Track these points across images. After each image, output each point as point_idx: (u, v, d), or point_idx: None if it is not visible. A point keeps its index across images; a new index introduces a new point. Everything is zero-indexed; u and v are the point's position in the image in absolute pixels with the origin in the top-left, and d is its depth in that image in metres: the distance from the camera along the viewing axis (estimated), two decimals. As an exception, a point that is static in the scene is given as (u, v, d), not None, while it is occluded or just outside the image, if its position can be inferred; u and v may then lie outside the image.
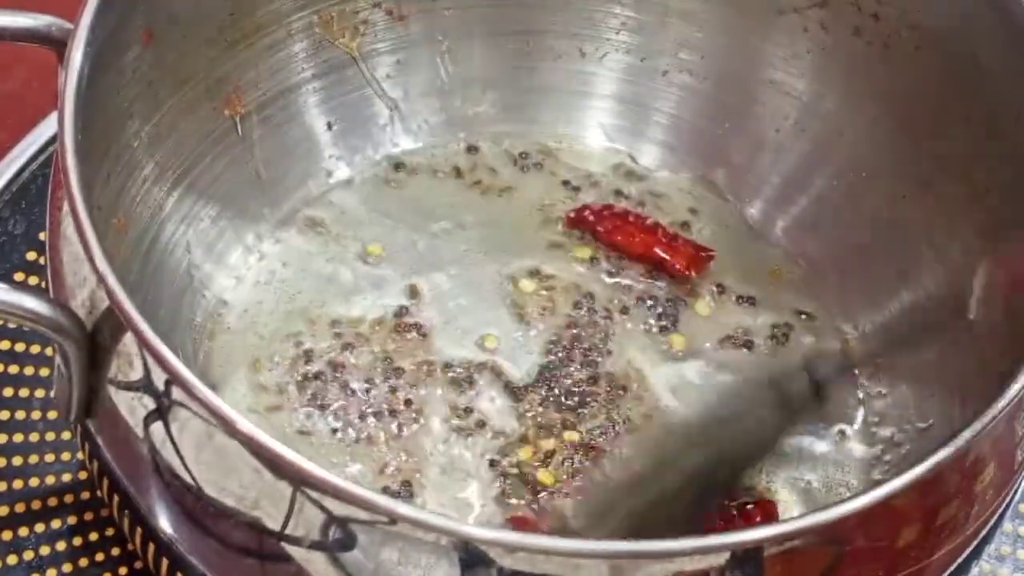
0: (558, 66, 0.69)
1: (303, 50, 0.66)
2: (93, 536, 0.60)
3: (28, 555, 0.59)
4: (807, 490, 0.60)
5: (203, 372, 0.60)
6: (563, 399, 0.61)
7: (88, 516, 0.60)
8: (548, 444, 0.60)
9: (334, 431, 0.60)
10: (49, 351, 0.63)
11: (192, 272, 0.62)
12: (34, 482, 0.61)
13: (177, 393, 0.47)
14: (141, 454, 0.49)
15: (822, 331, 0.64)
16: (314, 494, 0.45)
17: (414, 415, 0.60)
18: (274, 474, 0.45)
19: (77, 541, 0.59)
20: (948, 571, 0.51)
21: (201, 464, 0.48)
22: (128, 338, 0.48)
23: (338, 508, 0.45)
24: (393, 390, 0.61)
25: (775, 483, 0.59)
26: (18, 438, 0.61)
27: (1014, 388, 0.48)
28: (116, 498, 0.53)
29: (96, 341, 0.50)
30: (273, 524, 0.47)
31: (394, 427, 0.60)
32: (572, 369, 0.62)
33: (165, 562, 0.52)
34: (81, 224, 0.48)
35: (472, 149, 0.68)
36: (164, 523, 0.51)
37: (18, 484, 0.60)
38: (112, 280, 0.47)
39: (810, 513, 0.45)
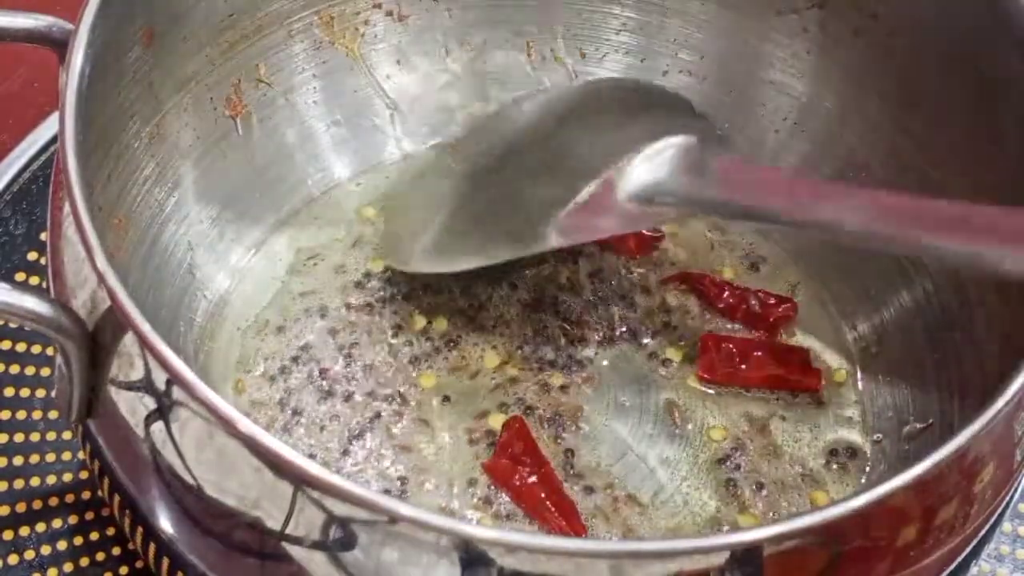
0: (558, 66, 0.69)
1: (303, 50, 0.66)
2: (94, 535, 0.60)
3: (29, 554, 0.59)
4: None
5: (204, 372, 0.60)
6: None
7: (89, 515, 0.60)
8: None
9: (322, 432, 0.60)
10: (50, 351, 0.63)
11: (193, 272, 0.62)
12: (35, 482, 0.61)
13: (178, 393, 0.47)
14: (142, 454, 0.49)
15: (822, 331, 0.64)
16: (314, 494, 0.45)
17: (414, 422, 0.61)
18: (274, 474, 0.46)
19: (78, 540, 0.59)
20: (947, 571, 0.51)
21: (202, 464, 0.48)
22: (129, 338, 0.48)
23: (338, 508, 0.45)
24: (389, 399, 0.61)
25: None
26: (19, 438, 0.62)
27: (1013, 388, 0.48)
28: (117, 498, 0.53)
29: (97, 341, 0.50)
30: (273, 524, 0.47)
31: (392, 428, 0.60)
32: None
33: (165, 561, 0.52)
34: (82, 224, 0.48)
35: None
36: (164, 523, 0.51)
37: (19, 484, 0.61)
38: (113, 280, 0.48)
39: (810, 513, 0.45)
